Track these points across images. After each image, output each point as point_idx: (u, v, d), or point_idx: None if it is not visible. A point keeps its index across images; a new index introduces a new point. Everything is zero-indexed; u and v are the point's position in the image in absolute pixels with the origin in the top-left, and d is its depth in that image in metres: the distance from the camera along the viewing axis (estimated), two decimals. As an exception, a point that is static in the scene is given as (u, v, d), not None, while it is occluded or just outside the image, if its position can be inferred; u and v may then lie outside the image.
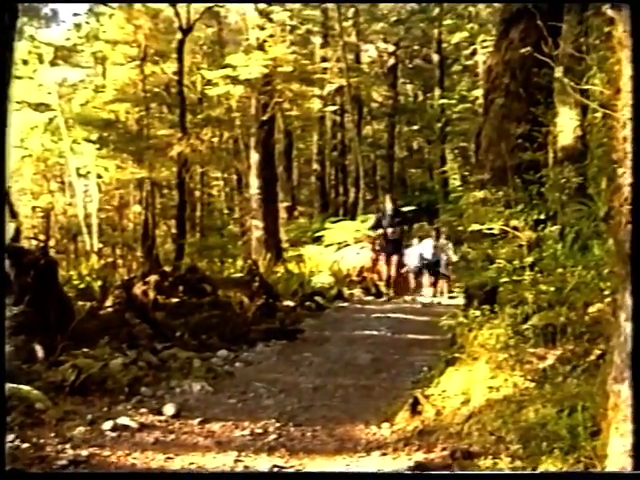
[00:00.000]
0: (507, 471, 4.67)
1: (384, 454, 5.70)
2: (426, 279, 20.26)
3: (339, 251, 23.34)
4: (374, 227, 19.31)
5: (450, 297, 19.48)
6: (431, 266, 20.13)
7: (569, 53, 7.90)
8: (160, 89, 29.77)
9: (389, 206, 19.00)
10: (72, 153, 25.55)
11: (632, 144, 3.39)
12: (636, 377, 3.43)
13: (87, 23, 28.14)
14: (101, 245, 26.80)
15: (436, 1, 32.94)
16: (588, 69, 7.35)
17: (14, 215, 8.85)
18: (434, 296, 19.59)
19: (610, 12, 3.51)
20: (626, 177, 3.38)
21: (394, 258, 18.70)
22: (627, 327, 3.43)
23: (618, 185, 3.46)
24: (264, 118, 24.46)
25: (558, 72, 6.17)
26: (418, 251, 20.76)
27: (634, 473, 3.44)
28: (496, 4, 18.58)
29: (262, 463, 5.48)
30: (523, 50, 7.53)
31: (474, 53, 36.06)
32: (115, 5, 25.72)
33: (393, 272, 18.67)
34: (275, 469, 5.36)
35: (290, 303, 14.85)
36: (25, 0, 20.03)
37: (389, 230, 18.35)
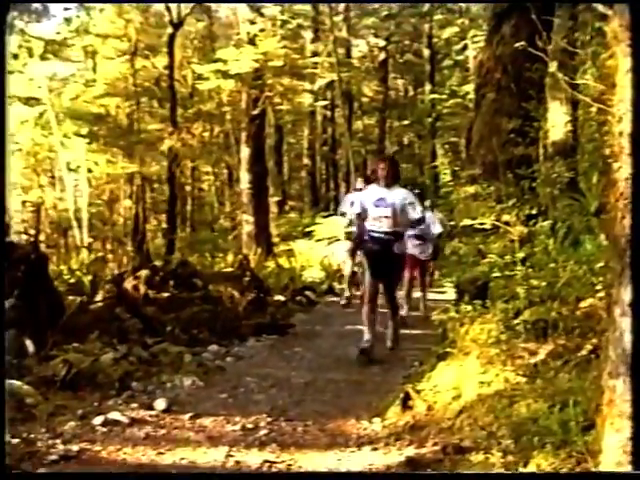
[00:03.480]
0: (502, 470, 4.66)
1: (375, 449, 5.69)
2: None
3: (330, 246, 23.34)
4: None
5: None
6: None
7: (561, 48, 7.92)
8: (151, 83, 29.74)
9: None
10: (62, 147, 25.52)
11: (630, 138, 3.39)
12: (635, 373, 3.43)
13: (77, 17, 28.08)
14: (91, 239, 26.77)
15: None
16: (581, 64, 7.35)
17: (4, 210, 8.79)
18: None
19: (601, 8, 3.50)
20: (622, 172, 3.38)
21: None
22: (622, 322, 3.43)
23: (614, 180, 3.45)
24: (255, 112, 24.47)
25: (552, 67, 6.16)
26: None
27: (634, 473, 3.43)
28: (487, -1, 18.59)
29: (253, 458, 5.47)
30: (517, 44, 7.51)
31: (465, 48, 36.09)
32: (105, -1, 25.67)
33: None
34: (266, 464, 5.35)
35: (281, 298, 14.84)
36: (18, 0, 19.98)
37: None
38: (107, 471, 5.17)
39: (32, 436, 5.73)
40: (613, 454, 3.49)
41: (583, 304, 6.26)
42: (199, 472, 5.21)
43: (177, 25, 24.55)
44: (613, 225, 3.46)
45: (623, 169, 3.37)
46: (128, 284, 11.34)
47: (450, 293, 11.65)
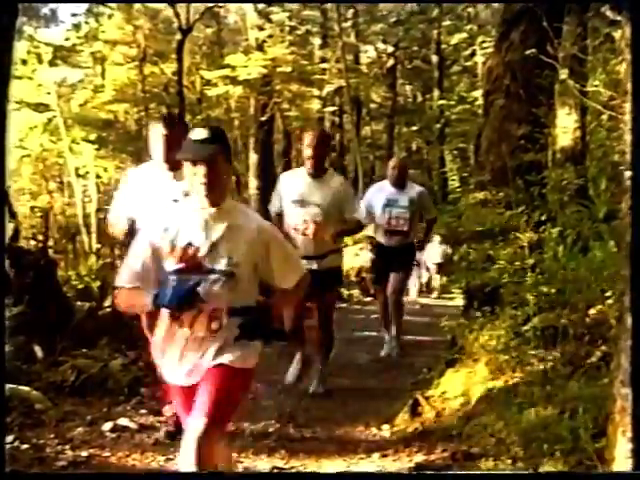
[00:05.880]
0: (508, 472, 4.65)
1: (384, 455, 5.68)
2: None
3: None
4: None
5: None
6: None
7: (570, 54, 7.89)
8: (159, 89, 29.73)
9: None
10: (71, 153, 25.50)
11: (632, 148, 3.38)
12: (635, 378, 3.42)
13: (86, 23, 28.04)
14: (100, 245, 26.74)
15: (436, 2, 32.93)
16: (592, 70, 7.33)
17: (13, 215, 8.81)
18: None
19: (610, 13, 3.51)
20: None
21: None
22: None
23: (625, 187, 3.44)
24: (263, 118, 24.53)
25: (563, 74, 6.14)
26: None
27: (634, 473, 3.42)
28: (496, 5, 18.53)
29: (262, 464, 5.47)
30: (528, 52, 7.48)
31: (473, 54, 36.03)
32: (114, 5, 25.70)
33: None
34: (275, 470, 5.35)
35: (289, 304, 14.78)
36: (26, 0, 19.99)
37: None
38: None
39: (41, 442, 5.73)
40: (626, 462, 3.47)
41: (592, 311, 6.25)
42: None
43: (186, 31, 24.53)
44: (625, 232, 3.45)
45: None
46: (136, 290, 11.30)
47: (458, 299, 11.64)
